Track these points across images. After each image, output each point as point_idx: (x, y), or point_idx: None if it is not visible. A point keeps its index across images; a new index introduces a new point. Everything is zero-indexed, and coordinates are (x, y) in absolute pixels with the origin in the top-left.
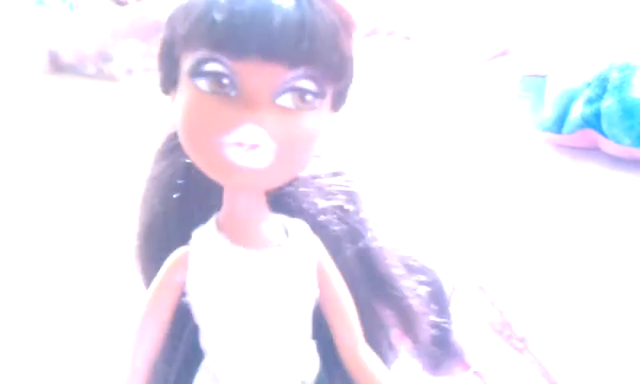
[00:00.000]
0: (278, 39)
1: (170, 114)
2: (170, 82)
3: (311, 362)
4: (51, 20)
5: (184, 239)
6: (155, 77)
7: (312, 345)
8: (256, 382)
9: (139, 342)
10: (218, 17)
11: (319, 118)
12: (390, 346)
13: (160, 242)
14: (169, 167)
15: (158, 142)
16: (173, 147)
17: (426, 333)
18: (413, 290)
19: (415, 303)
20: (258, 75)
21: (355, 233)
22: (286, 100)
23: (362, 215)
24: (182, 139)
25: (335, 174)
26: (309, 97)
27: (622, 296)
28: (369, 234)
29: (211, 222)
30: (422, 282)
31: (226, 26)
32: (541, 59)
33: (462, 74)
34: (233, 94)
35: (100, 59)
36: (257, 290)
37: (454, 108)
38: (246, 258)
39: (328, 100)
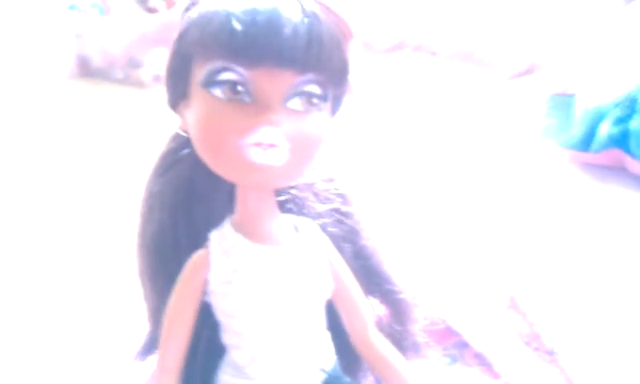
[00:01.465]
0: (289, 48)
1: (177, 127)
2: (178, 96)
3: (327, 351)
4: (81, 25)
5: (193, 247)
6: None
7: (327, 335)
8: (278, 373)
9: (168, 340)
10: (236, 28)
11: (324, 120)
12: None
13: (170, 252)
14: (171, 182)
15: (155, 160)
16: (171, 163)
17: (416, 325)
18: (405, 285)
19: (408, 297)
20: (270, 82)
21: (352, 233)
22: (296, 103)
23: (357, 217)
24: (199, 146)
25: (329, 180)
26: (315, 100)
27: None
28: (365, 234)
29: (226, 224)
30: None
31: (244, 37)
32: (569, 78)
33: (488, 91)
34: (247, 100)
35: (129, 65)
36: (276, 284)
37: (478, 124)
38: (264, 253)
39: (329, 104)
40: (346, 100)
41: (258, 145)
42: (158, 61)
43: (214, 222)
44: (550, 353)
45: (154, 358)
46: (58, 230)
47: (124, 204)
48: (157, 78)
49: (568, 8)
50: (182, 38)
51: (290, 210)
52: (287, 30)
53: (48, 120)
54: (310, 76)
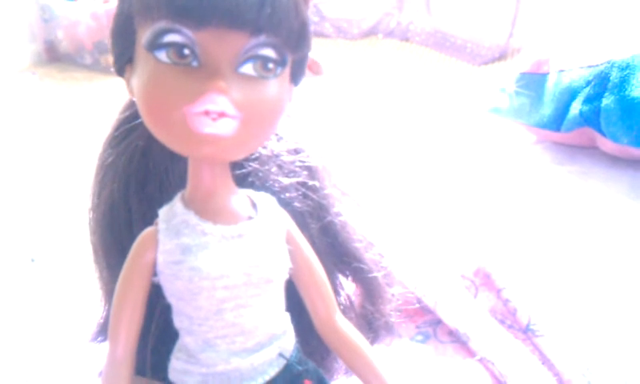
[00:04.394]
0: (240, 7)
1: (124, 95)
2: (124, 60)
3: (287, 335)
4: (50, 10)
5: (146, 222)
6: None
7: (286, 317)
8: (232, 359)
9: (117, 329)
10: None
11: (282, 87)
12: (359, 320)
13: (123, 227)
14: (123, 153)
15: (107, 130)
16: (125, 133)
17: (389, 305)
18: (377, 263)
19: (380, 276)
20: (219, 44)
21: (319, 208)
22: (248, 68)
23: (325, 191)
24: (143, 115)
25: (296, 151)
26: (270, 65)
27: (619, 290)
28: (333, 210)
29: (177, 199)
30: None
31: None
32: (541, 57)
33: (460, 76)
34: (194, 64)
35: (97, 50)
36: (229, 265)
37: (449, 107)
38: (216, 232)
39: (288, 70)
40: (314, 77)
41: (206, 114)
42: None
43: (169, 196)
44: (525, 330)
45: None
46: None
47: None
48: None
49: None
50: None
51: (251, 184)
52: None
53: (16, 106)
54: (263, 38)
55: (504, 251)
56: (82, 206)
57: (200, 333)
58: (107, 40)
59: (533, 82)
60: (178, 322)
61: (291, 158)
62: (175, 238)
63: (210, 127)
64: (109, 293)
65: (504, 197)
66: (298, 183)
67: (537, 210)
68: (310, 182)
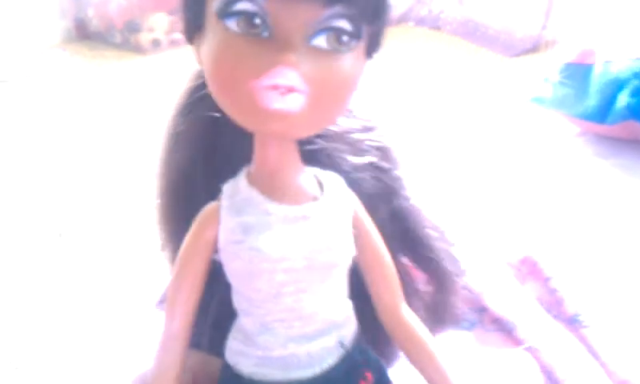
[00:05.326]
0: None
1: (193, 63)
2: (195, 27)
3: (348, 322)
4: None
5: (211, 195)
6: (183, 50)
7: (349, 305)
8: (290, 344)
9: (174, 304)
10: None
11: (356, 62)
12: (426, 310)
13: (187, 198)
14: (193, 122)
15: (178, 96)
16: (195, 101)
17: (458, 297)
18: (448, 252)
19: (450, 267)
20: (291, 14)
21: (390, 191)
22: (321, 41)
23: (396, 173)
24: (211, 86)
25: (368, 129)
26: (345, 37)
27: None
28: (403, 193)
29: (242, 176)
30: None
31: None
32: (587, 47)
33: (493, 67)
34: (265, 34)
35: (127, 29)
36: (291, 246)
37: (484, 99)
38: (280, 212)
39: (363, 43)
40: (386, 40)
41: (275, 88)
42: (157, 26)
43: (234, 171)
44: (571, 321)
45: None
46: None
47: (122, 169)
48: (156, 43)
49: None
50: None
51: (319, 162)
52: None
53: (46, 83)
54: (338, 8)
55: (548, 242)
56: (110, 181)
57: (258, 315)
58: (138, 18)
59: (578, 72)
60: (237, 302)
61: (362, 136)
62: (237, 216)
63: (278, 102)
64: (173, 260)
65: (547, 188)
66: (368, 163)
67: (580, 203)
68: (380, 163)
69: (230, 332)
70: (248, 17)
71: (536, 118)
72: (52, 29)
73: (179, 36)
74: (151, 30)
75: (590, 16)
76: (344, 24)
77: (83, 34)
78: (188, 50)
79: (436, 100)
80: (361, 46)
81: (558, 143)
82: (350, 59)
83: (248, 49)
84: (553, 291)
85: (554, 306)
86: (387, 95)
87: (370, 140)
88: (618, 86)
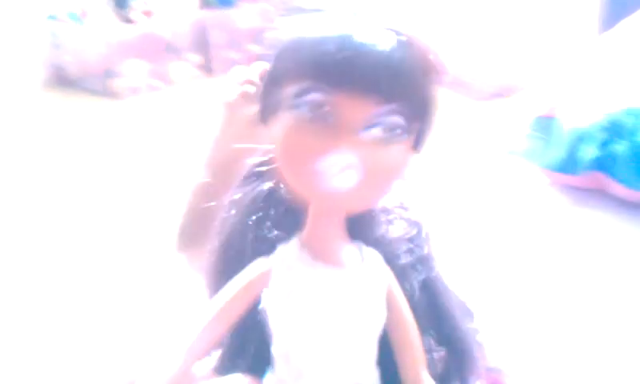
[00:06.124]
0: (376, 75)
1: (264, 142)
2: (269, 112)
3: None
4: (59, 34)
5: (257, 256)
6: (162, 95)
7: (376, 372)
8: None
9: (205, 330)
10: (328, 50)
11: (404, 153)
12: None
13: (235, 258)
14: (251, 191)
15: (244, 169)
16: (257, 174)
17: (476, 379)
18: (473, 334)
19: (474, 348)
20: (354, 106)
21: (422, 263)
22: (377, 131)
23: (428, 247)
24: (280, 161)
25: (404, 208)
26: (398, 131)
27: (628, 333)
28: (435, 267)
29: (294, 241)
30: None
31: (333, 59)
32: (553, 100)
33: (464, 111)
34: (330, 120)
35: (105, 75)
36: (332, 305)
37: (456, 144)
38: (324, 274)
39: (413, 137)
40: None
41: (335, 170)
42: (135, 72)
43: (282, 237)
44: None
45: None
46: (32, 235)
47: (99, 211)
48: (133, 90)
49: (544, 31)
50: (276, 58)
51: (362, 234)
52: (376, 58)
53: (23, 129)
54: (393, 106)
55: (519, 288)
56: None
57: (295, 363)
58: (117, 65)
59: (546, 125)
60: (276, 350)
61: (400, 212)
62: (287, 273)
63: (336, 179)
64: None
65: (515, 237)
66: (404, 237)
67: (551, 250)
68: (415, 238)
69: (266, 375)
70: (317, 105)
71: (510, 168)
72: (31, 76)
73: (157, 82)
74: (128, 76)
75: (552, 65)
76: (397, 119)
77: (61, 80)
78: (164, 95)
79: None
80: (410, 139)
81: (532, 193)
82: (399, 150)
83: (315, 132)
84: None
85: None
86: None
87: (407, 216)
88: (583, 138)
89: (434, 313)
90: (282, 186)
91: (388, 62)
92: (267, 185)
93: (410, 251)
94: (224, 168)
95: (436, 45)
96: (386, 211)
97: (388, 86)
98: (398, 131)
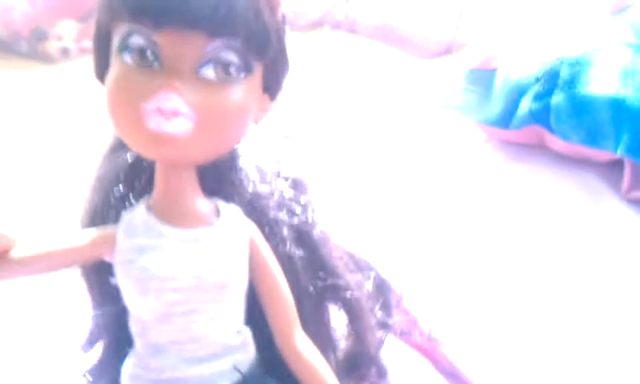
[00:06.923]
0: (194, 9)
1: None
2: (103, 66)
3: (245, 347)
4: None
5: None
6: (90, 59)
7: (246, 331)
8: (183, 365)
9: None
10: None
11: (247, 94)
12: (329, 341)
13: None
14: (112, 167)
15: (105, 141)
16: (116, 146)
17: (371, 331)
18: (360, 285)
19: (362, 298)
20: (179, 46)
21: (296, 216)
22: (209, 72)
23: (304, 201)
24: (108, 115)
25: (277, 161)
26: (232, 69)
27: (566, 291)
28: (311, 220)
29: (141, 203)
30: (368, 279)
31: None
32: (489, 53)
33: (408, 69)
34: (156, 65)
35: (34, 37)
36: (185, 269)
37: (397, 102)
38: (174, 235)
39: (257, 79)
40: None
41: (160, 112)
42: (66, 33)
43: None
44: (429, 339)
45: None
46: None
47: (28, 180)
48: (65, 52)
49: None
50: (99, 6)
51: (220, 188)
52: None
53: None
54: (222, 41)
55: (453, 248)
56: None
57: (150, 337)
58: (45, 26)
59: (481, 78)
60: (132, 325)
61: (272, 167)
62: (131, 238)
63: (163, 126)
64: (94, 300)
65: (451, 194)
66: (274, 190)
67: (485, 209)
68: (287, 191)
69: (127, 357)
70: (140, 51)
71: (446, 123)
72: None
73: (89, 44)
74: (60, 38)
75: (495, 20)
76: (230, 56)
77: None
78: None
79: (351, 104)
80: (254, 79)
81: (467, 149)
82: (239, 91)
83: (139, 78)
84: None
85: (411, 325)
86: (303, 100)
87: (280, 170)
88: (520, 91)
89: (315, 269)
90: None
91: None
92: (131, 155)
93: (280, 205)
94: None
95: None
96: (253, 165)
97: (214, 19)
98: (233, 70)
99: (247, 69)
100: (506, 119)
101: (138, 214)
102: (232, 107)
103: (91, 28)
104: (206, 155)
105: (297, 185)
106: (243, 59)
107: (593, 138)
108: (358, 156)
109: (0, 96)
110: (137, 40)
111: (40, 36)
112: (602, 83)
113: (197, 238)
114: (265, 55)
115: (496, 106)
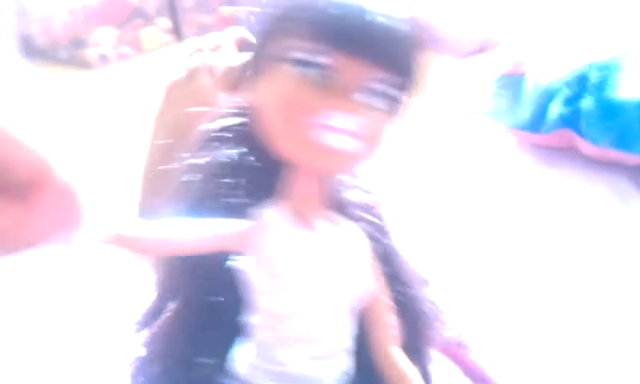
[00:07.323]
0: (380, 45)
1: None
2: (258, 68)
3: (350, 355)
4: (24, 2)
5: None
6: (132, 64)
7: (351, 344)
8: (304, 361)
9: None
10: (333, 12)
11: (387, 123)
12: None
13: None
14: (217, 156)
15: (200, 133)
16: (219, 139)
17: (430, 345)
18: (429, 299)
19: (429, 316)
20: (351, 70)
21: (382, 231)
22: (369, 98)
23: (381, 215)
24: (272, 120)
25: (355, 175)
26: (387, 101)
27: (596, 292)
28: (391, 235)
29: (272, 206)
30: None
31: (337, 22)
32: (520, 57)
33: (440, 69)
34: (326, 83)
35: (72, 45)
36: (317, 272)
37: (429, 105)
38: (308, 238)
39: (395, 109)
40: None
41: (330, 128)
42: (104, 40)
43: (252, 205)
44: (461, 345)
45: None
46: None
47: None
48: (103, 58)
49: None
50: (268, 14)
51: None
52: (381, 28)
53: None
54: (388, 75)
55: (484, 253)
56: None
57: (279, 330)
58: (84, 34)
59: (511, 83)
60: (257, 318)
61: (352, 180)
62: (269, 235)
63: (333, 140)
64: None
65: (482, 198)
66: (366, 204)
67: (516, 213)
68: (373, 205)
69: (244, 346)
70: (315, 66)
71: (477, 128)
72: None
73: (126, 50)
74: (97, 45)
75: (525, 24)
76: (391, 90)
77: (28, 51)
78: (135, 63)
79: None
80: (394, 110)
81: (498, 153)
82: (385, 119)
83: (311, 91)
84: None
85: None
86: None
87: (357, 182)
88: (549, 95)
89: (395, 281)
90: (254, 152)
91: (392, 34)
92: (236, 150)
93: (366, 218)
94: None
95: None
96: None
97: (389, 55)
98: (388, 101)
99: (397, 103)
100: (536, 124)
101: (275, 214)
102: (380, 133)
103: (128, 35)
104: (344, 170)
105: (372, 197)
106: (399, 95)
107: (622, 141)
108: (389, 160)
109: (42, 102)
110: (313, 58)
111: (79, 44)
112: (631, 87)
113: (329, 242)
114: (409, 94)
115: (526, 111)
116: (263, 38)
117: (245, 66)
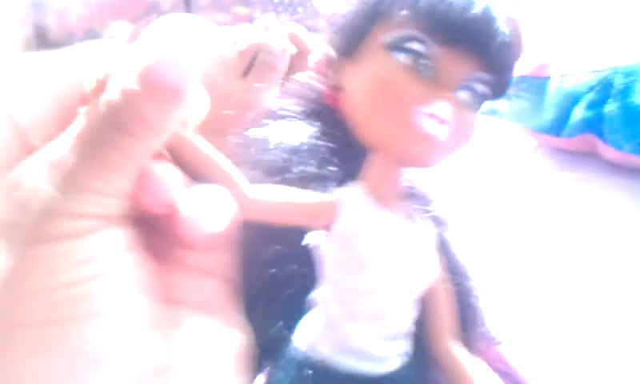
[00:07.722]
0: (486, 43)
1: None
2: (343, 53)
3: (408, 339)
4: None
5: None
6: None
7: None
8: (371, 338)
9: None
10: (449, 7)
11: (475, 121)
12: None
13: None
14: (289, 130)
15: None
16: (286, 115)
17: (478, 335)
18: (477, 290)
19: (477, 302)
20: (453, 65)
21: (438, 221)
22: (465, 95)
23: (442, 206)
24: (366, 105)
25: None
26: (481, 99)
27: (617, 298)
28: (448, 227)
29: (357, 186)
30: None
31: (453, 17)
32: (543, 60)
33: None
34: (428, 74)
35: (88, 38)
36: (399, 254)
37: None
38: (390, 220)
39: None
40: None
41: (433, 117)
42: (119, 34)
43: (332, 176)
44: (484, 337)
45: None
46: None
47: None
48: None
49: None
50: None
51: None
52: (491, 26)
53: (6, 91)
54: (488, 75)
55: (501, 255)
56: None
57: (349, 305)
58: (99, 27)
59: (534, 85)
60: (330, 291)
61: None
62: (353, 214)
63: (432, 129)
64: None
65: (502, 201)
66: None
67: (536, 216)
68: (425, 196)
69: (308, 319)
70: (416, 55)
71: (495, 130)
72: (10, 38)
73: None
74: (113, 38)
75: (548, 28)
76: (485, 89)
77: (43, 42)
78: None
79: None
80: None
81: (515, 156)
82: (475, 117)
83: (413, 81)
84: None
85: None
86: None
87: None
88: (573, 99)
89: (449, 267)
90: (330, 131)
91: (498, 34)
92: (312, 125)
93: (426, 209)
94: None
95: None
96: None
97: (491, 55)
98: (481, 100)
99: (484, 102)
100: (558, 127)
101: (356, 194)
102: (472, 131)
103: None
104: (430, 163)
105: (426, 190)
106: (491, 95)
107: None
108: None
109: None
110: (418, 47)
111: (93, 36)
112: None
113: (412, 228)
114: (497, 99)
115: (548, 114)
116: (363, 21)
117: (333, 48)
